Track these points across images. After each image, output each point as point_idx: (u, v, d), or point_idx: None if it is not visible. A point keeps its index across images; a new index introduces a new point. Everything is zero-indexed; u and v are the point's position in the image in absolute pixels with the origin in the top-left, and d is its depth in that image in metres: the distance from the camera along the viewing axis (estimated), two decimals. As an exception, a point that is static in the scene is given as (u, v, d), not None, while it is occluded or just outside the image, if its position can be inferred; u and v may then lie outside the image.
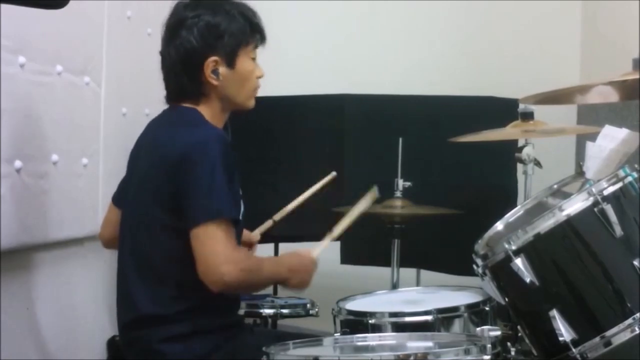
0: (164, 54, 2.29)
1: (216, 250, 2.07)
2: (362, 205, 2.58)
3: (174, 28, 2.27)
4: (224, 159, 2.12)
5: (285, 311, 3.08)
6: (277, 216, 2.77)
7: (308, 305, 3.13)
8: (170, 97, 2.32)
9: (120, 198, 2.41)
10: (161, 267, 2.17)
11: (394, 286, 3.00)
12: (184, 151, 2.13)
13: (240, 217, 2.24)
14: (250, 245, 2.65)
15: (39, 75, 2.47)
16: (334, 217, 3.37)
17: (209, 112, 2.27)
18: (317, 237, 3.57)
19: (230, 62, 2.26)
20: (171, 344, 2.18)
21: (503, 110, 3.14)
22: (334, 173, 2.82)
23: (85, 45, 2.83)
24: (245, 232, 2.60)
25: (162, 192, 2.15)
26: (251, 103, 2.35)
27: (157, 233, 2.16)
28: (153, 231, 2.16)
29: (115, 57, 3.00)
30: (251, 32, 2.30)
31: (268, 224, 2.76)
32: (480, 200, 3.32)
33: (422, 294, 2.75)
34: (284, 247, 3.51)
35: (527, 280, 2.10)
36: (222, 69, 2.25)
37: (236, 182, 2.19)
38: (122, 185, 2.43)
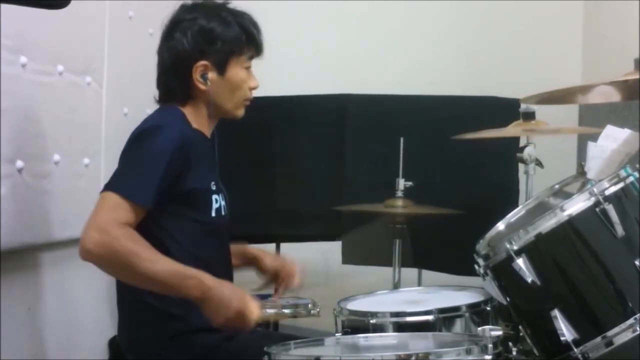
0: (158, 53, 2.33)
1: (94, 216, 2.05)
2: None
3: (170, 29, 2.31)
4: (165, 150, 2.12)
5: (286, 311, 3.07)
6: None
7: (309, 305, 3.11)
8: (161, 98, 2.34)
9: None
10: None
11: (396, 286, 3.00)
12: (132, 137, 2.19)
13: (214, 214, 2.25)
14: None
15: (40, 75, 2.47)
16: (335, 217, 3.40)
17: (195, 115, 2.30)
18: (318, 237, 3.60)
19: (221, 69, 2.28)
20: (171, 344, 2.18)
21: (504, 110, 3.14)
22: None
23: (87, 45, 2.83)
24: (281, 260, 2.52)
25: None
26: (240, 112, 2.36)
27: (146, 227, 2.14)
28: (143, 226, 2.14)
29: (116, 57, 3.00)
30: (247, 41, 2.30)
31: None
32: (482, 200, 3.32)
33: (424, 293, 2.74)
34: (285, 247, 3.52)
35: (529, 280, 2.10)
36: (212, 75, 2.27)
37: (198, 180, 2.19)
38: None
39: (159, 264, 2.04)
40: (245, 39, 2.30)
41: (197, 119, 2.29)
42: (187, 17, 2.28)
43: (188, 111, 2.29)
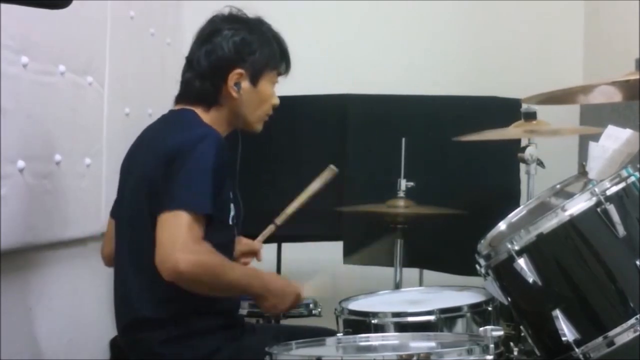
0: (191, 57, 2.34)
1: (175, 237, 2.05)
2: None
3: (209, 34, 2.33)
4: (215, 158, 2.14)
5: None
6: (279, 220, 2.75)
7: (311, 305, 3.12)
8: (182, 99, 2.33)
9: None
10: None
11: (397, 286, 2.99)
12: (179, 147, 2.15)
13: (231, 222, 2.26)
14: (253, 254, 2.64)
15: (41, 75, 2.47)
16: (336, 217, 3.40)
17: (215, 120, 2.30)
18: (319, 237, 3.60)
19: (254, 80, 2.33)
20: (172, 345, 2.19)
21: (506, 110, 3.14)
22: (333, 168, 2.81)
23: (88, 45, 2.83)
24: (247, 241, 2.61)
25: (158, 190, 2.15)
26: (259, 126, 2.41)
27: (154, 233, 2.15)
28: (151, 231, 2.14)
29: (118, 57, 3.01)
30: (280, 58, 2.39)
31: (270, 229, 2.75)
32: (483, 200, 3.32)
33: (425, 294, 2.74)
34: (286, 247, 3.52)
35: (530, 280, 2.10)
36: (245, 84, 2.31)
37: (227, 186, 2.20)
38: (118, 197, 2.42)
39: (236, 270, 2.21)
40: (280, 55, 2.38)
41: (217, 126, 2.29)
42: (228, 27, 2.33)
43: (210, 117, 2.30)
